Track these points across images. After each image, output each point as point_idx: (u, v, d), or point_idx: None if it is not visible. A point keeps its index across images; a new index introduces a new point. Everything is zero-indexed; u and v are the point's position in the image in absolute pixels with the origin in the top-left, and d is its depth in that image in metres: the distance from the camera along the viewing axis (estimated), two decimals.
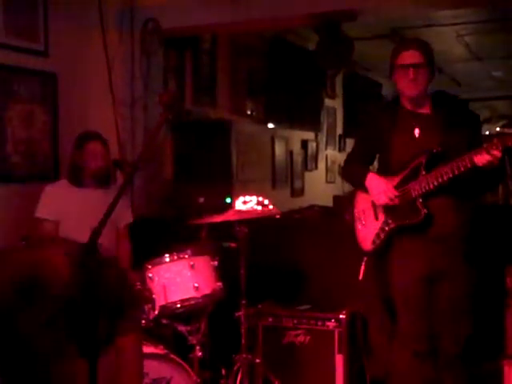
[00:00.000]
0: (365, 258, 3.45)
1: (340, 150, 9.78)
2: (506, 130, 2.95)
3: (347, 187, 3.85)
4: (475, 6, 6.00)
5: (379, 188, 3.30)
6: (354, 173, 3.53)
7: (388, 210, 3.30)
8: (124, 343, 3.12)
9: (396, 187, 3.25)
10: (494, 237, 3.96)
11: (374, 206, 3.40)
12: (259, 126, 7.47)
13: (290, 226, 4.72)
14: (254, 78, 7.27)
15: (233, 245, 3.88)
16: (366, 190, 3.40)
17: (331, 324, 3.95)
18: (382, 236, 3.33)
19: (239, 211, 3.82)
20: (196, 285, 3.42)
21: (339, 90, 9.72)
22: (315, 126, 8.96)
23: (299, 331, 4.03)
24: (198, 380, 3.47)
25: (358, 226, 3.50)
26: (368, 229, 3.43)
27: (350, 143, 9.51)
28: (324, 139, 9.29)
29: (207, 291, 3.46)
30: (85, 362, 2.29)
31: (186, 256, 3.48)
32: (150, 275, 3.42)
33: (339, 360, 3.91)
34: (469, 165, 2.98)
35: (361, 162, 3.51)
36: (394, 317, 3.45)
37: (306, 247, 4.46)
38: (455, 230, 3.21)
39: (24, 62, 4.52)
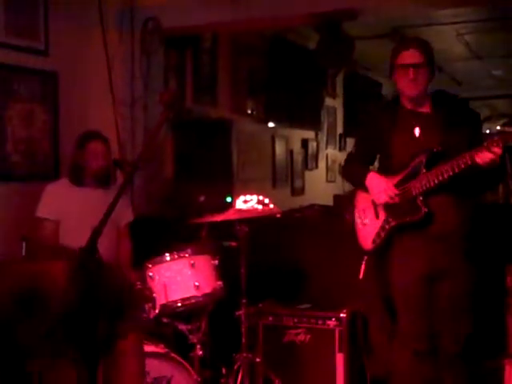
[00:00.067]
0: (365, 257, 3.45)
1: (340, 150, 9.78)
2: (507, 129, 2.94)
3: (347, 186, 3.85)
4: (475, 4, 6.00)
5: (379, 187, 3.30)
6: (354, 172, 3.53)
7: (388, 208, 3.30)
8: (124, 345, 3.12)
9: (396, 186, 3.25)
10: (494, 236, 3.96)
11: (374, 205, 3.40)
12: (259, 125, 7.47)
13: (290, 225, 4.72)
14: (254, 77, 7.27)
15: (233, 244, 3.88)
16: (366, 190, 3.40)
17: (332, 323, 3.95)
18: (383, 235, 3.33)
19: (240, 210, 3.83)
20: (196, 284, 3.42)
21: (340, 89, 9.72)
22: (315, 125, 8.96)
23: (300, 330, 4.03)
24: (199, 379, 3.47)
25: (359, 226, 3.50)
26: (368, 228, 3.43)
27: (350, 142, 9.52)
28: (324, 138, 9.29)
29: (208, 290, 3.46)
30: (84, 368, 2.29)
31: (187, 255, 3.48)
32: (151, 274, 3.42)
33: (340, 359, 3.91)
34: (469, 162, 2.98)
35: (361, 162, 3.51)
36: (394, 316, 3.45)
37: (306, 246, 4.46)
38: (456, 228, 3.21)
39: (24, 62, 4.52)
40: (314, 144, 8.97)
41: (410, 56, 3.20)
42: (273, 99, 7.59)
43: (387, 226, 3.32)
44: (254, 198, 3.94)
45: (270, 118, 7.63)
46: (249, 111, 7.24)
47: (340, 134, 9.84)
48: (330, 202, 7.65)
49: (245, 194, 3.98)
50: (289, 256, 4.49)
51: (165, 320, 3.51)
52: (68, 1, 4.84)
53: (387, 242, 3.34)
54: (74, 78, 4.87)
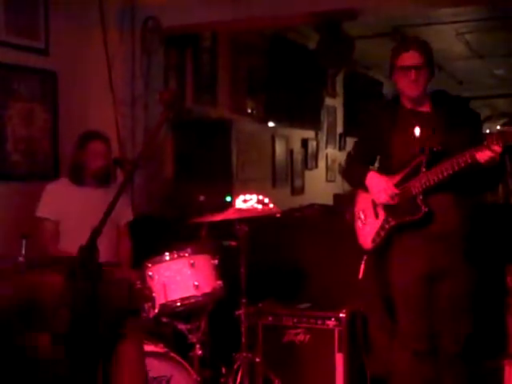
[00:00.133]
0: (364, 257, 3.45)
1: (340, 149, 9.78)
2: (507, 129, 2.94)
3: (347, 186, 3.85)
4: (475, 4, 6.00)
5: (379, 186, 3.30)
6: (354, 173, 3.53)
7: (388, 207, 3.30)
8: (125, 348, 3.11)
9: (396, 185, 3.25)
10: (494, 236, 3.96)
11: (374, 204, 3.40)
12: (259, 125, 7.47)
13: (290, 224, 4.72)
14: (254, 77, 7.27)
15: (233, 243, 3.88)
16: (366, 190, 3.40)
17: (331, 323, 3.95)
18: (383, 234, 3.33)
19: (239, 210, 3.82)
20: (196, 283, 3.42)
21: (340, 88, 9.71)
22: (315, 125, 8.95)
23: (299, 330, 4.03)
24: (198, 378, 3.47)
25: (359, 225, 3.50)
26: (368, 227, 3.43)
27: (350, 142, 9.49)
28: (324, 138, 9.29)
29: (207, 290, 3.46)
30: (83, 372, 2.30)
31: (186, 254, 3.48)
32: (150, 273, 3.42)
33: (339, 359, 3.91)
34: (469, 160, 2.98)
35: (361, 163, 3.51)
36: (394, 315, 3.45)
37: (306, 246, 4.46)
38: (456, 227, 3.21)
39: (24, 61, 4.52)
40: (314, 143, 8.96)
41: (410, 57, 3.20)
42: (273, 99, 7.59)
43: (387, 226, 3.32)
44: (254, 197, 3.94)
45: (270, 117, 7.63)
46: (249, 111, 7.24)
47: (340, 134, 9.83)
48: (329, 201, 7.65)
49: (245, 194, 3.97)
50: (288, 256, 4.49)
51: (164, 319, 3.51)
52: (68, 0, 4.83)
53: (387, 241, 3.34)
54: (74, 78, 4.87)
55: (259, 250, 3.98)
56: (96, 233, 2.27)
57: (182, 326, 3.57)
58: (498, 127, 3.01)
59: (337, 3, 4.88)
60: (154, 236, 4.49)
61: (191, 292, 3.41)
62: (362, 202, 3.49)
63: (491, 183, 3.37)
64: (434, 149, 3.14)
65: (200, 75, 6.34)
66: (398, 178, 3.26)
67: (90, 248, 2.26)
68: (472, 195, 3.29)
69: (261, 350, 4.01)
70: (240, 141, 6.77)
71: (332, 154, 9.54)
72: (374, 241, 3.38)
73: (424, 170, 3.14)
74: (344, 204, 4.17)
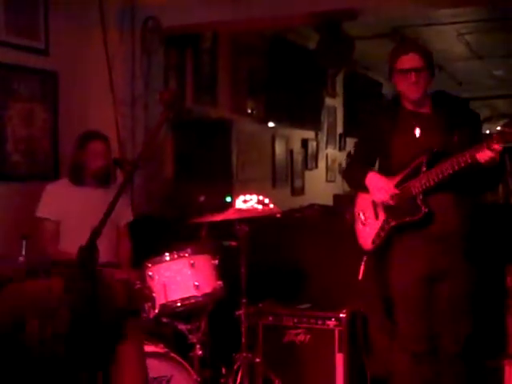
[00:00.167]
0: (364, 258, 3.45)
1: (340, 149, 9.78)
2: (507, 130, 2.94)
3: (347, 186, 3.85)
4: (475, 4, 6.00)
5: (379, 186, 3.30)
6: (354, 173, 3.53)
7: (388, 208, 3.30)
8: (125, 351, 3.11)
9: (396, 186, 3.25)
10: (494, 236, 3.96)
11: (374, 205, 3.39)
12: (259, 125, 7.47)
13: (290, 224, 4.72)
14: (254, 77, 7.27)
15: (233, 243, 3.88)
16: (366, 191, 3.40)
17: (331, 323, 3.94)
18: (383, 235, 3.33)
19: (239, 210, 3.82)
20: (196, 283, 3.42)
21: (340, 89, 9.72)
22: (315, 125, 8.95)
23: (299, 330, 4.03)
24: (199, 379, 3.46)
25: (359, 226, 3.50)
26: (368, 228, 3.43)
27: (350, 142, 9.51)
28: (324, 138, 9.29)
29: (207, 290, 3.46)
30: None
31: (187, 255, 3.48)
32: (150, 274, 3.41)
33: (339, 359, 3.90)
34: (469, 160, 2.97)
35: (362, 164, 3.50)
36: (393, 317, 3.44)
37: (306, 246, 4.46)
38: (456, 228, 3.20)
39: (24, 61, 4.52)
40: (314, 144, 8.97)
41: (410, 60, 3.19)
42: (273, 99, 7.59)
43: (387, 226, 3.32)
44: (254, 197, 3.94)
45: (270, 117, 7.63)
46: (249, 111, 7.24)
47: (340, 134, 9.83)
48: (329, 201, 7.66)
49: (245, 194, 3.98)
50: (289, 256, 4.48)
51: (164, 320, 3.51)
52: (68, 0, 4.83)
53: (387, 242, 3.34)
54: (74, 78, 4.87)
55: (259, 251, 3.98)
56: (96, 233, 2.27)
57: (182, 327, 3.56)
58: (498, 128, 2.99)
59: (337, 3, 4.88)
60: (154, 236, 4.49)
61: (191, 292, 3.41)
62: (362, 203, 3.49)
63: (491, 183, 3.37)
64: (435, 149, 3.14)
65: (200, 75, 6.34)
66: (397, 178, 3.26)
67: (90, 248, 2.25)
68: (472, 195, 3.28)
69: (261, 350, 4.01)
70: (240, 141, 6.77)
71: (332, 155, 9.55)
72: (374, 241, 3.38)
73: (424, 170, 3.14)
74: (344, 204, 4.17)
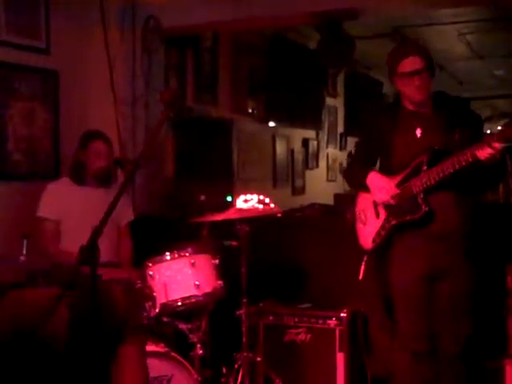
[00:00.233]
0: (365, 258, 3.45)
1: (341, 149, 9.78)
2: (508, 129, 2.94)
3: (348, 186, 3.85)
4: (476, 4, 5.99)
5: (380, 185, 3.30)
6: (355, 173, 3.53)
7: (389, 207, 3.30)
8: (126, 353, 3.10)
9: (397, 185, 3.25)
10: (494, 235, 3.96)
11: (374, 204, 3.40)
12: (260, 125, 7.47)
13: (290, 224, 4.72)
14: (255, 77, 7.27)
15: (234, 243, 3.88)
16: (366, 191, 3.40)
17: (332, 322, 3.95)
18: (383, 233, 3.33)
19: (240, 209, 3.82)
20: (197, 283, 3.42)
21: (340, 88, 9.71)
22: (316, 125, 8.95)
23: (300, 329, 4.03)
24: (199, 378, 3.46)
25: (359, 225, 3.50)
26: (369, 227, 3.43)
27: (351, 142, 9.51)
28: (325, 138, 9.29)
29: (208, 289, 3.46)
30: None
31: (187, 254, 3.48)
32: (151, 273, 3.42)
33: (340, 358, 3.90)
34: (470, 159, 2.98)
35: (363, 164, 3.51)
36: (393, 316, 3.45)
37: (306, 245, 4.46)
38: (457, 227, 3.21)
39: (25, 60, 4.52)
40: (315, 143, 8.96)
41: (411, 63, 3.18)
42: (273, 98, 7.59)
43: (387, 225, 3.32)
44: (255, 197, 3.94)
45: (271, 117, 7.63)
46: (249, 110, 7.24)
47: (341, 134, 9.83)
48: (330, 201, 7.65)
49: (245, 194, 3.97)
50: (289, 255, 4.49)
51: (165, 319, 3.51)
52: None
53: (387, 241, 3.34)
54: (75, 77, 4.87)
55: (260, 250, 3.98)
56: (97, 232, 2.27)
57: (182, 326, 3.57)
58: (499, 127, 3.00)
59: (337, 3, 4.88)
60: (154, 236, 4.49)
61: (192, 292, 3.41)
62: (363, 202, 3.49)
63: (492, 182, 3.37)
64: (436, 147, 3.14)
65: (201, 75, 6.34)
66: (398, 178, 3.27)
67: (91, 248, 2.26)
68: (473, 194, 3.28)
69: (262, 349, 4.01)
70: (241, 140, 6.77)
71: (333, 154, 9.54)
72: (374, 241, 3.38)
73: (425, 169, 3.15)
74: (345, 204, 4.17)
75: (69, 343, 2.78)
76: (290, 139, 8.23)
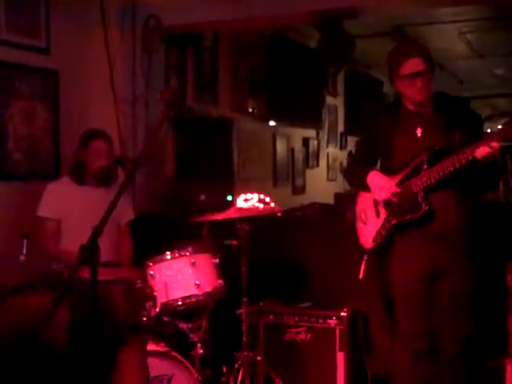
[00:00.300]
0: (365, 257, 3.45)
1: (341, 148, 9.78)
2: (508, 128, 2.95)
3: (348, 185, 3.85)
4: (476, 3, 6.00)
5: (380, 184, 3.30)
6: (356, 173, 3.53)
7: (389, 206, 3.30)
8: (127, 356, 3.11)
9: (398, 184, 3.25)
10: (494, 234, 3.96)
11: (375, 203, 3.40)
12: (260, 124, 7.47)
13: (291, 223, 4.72)
14: (255, 76, 7.27)
15: (234, 242, 3.88)
16: (367, 190, 3.40)
17: (332, 322, 3.95)
18: (383, 233, 3.33)
19: (240, 209, 3.82)
20: (197, 282, 3.42)
21: (340, 87, 9.71)
22: (316, 124, 8.95)
23: (300, 329, 4.03)
24: (200, 377, 3.47)
25: (360, 224, 3.50)
26: (369, 227, 3.43)
27: (351, 141, 9.51)
28: (325, 137, 9.29)
29: (208, 289, 3.46)
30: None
31: (188, 253, 3.48)
32: (152, 272, 3.42)
33: (340, 358, 3.91)
34: (470, 157, 2.98)
35: (363, 164, 3.50)
36: (394, 315, 3.45)
37: (307, 245, 4.46)
38: (457, 226, 3.21)
39: (25, 59, 4.52)
40: (315, 142, 8.96)
41: (414, 65, 3.17)
42: (274, 98, 7.59)
43: (388, 224, 3.32)
44: (255, 196, 3.94)
45: (271, 116, 7.63)
46: (250, 110, 7.24)
47: (341, 133, 9.83)
48: (330, 200, 7.65)
49: (246, 193, 3.97)
50: (290, 255, 4.49)
51: (165, 318, 3.51)
52: None
53: (388, 240, 3.34)
54: (75, 76, 4.87)
55: (260, 249, 3.98)
56: (97, 232, 2.27)
57: (183, 325, 3.57)
58: (499, 127, 3.01)
59: (337, 2, 4.88)
60: (154, 235, 4.49)
61: (192, 291, 3.41)
62: (363, 202, 3.49)
63: (491, 181, 3.37)
64: (436, 147, 3.14)
65: (201, 74, 6.34)
66: (399, 177, 3.27)
67: (92, 247, 2.26)
68: (473, 193, 3.29)
69: (262, 348, 4.01)
70: (241, 140, 6.76)
71: (333, 153, 9.54)
72: (374, 240, 3.38)
73: (425, 168, 3.15)
74: (345, 203, 4.17)
75: (69, 347, 2.79)
76: (290, 138, 8.23)
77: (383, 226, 3.34)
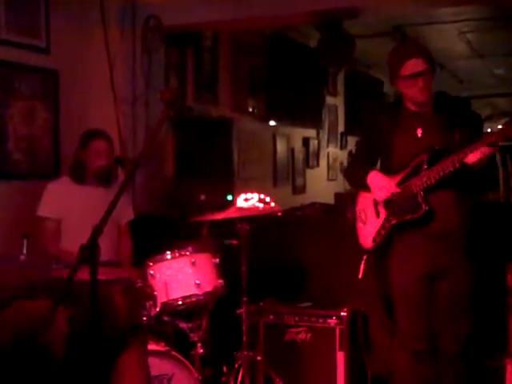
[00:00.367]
0: (364, 257, 3.45)
1: (341, 148, 9.78)
2: (508, 128, 2.95)
3: (348, 185, 3.85)
4: (477, 3, 6.00)
5: (380, 185, 3.30)
6: (356, 172, 3.53)
7: (389, 206, 3.30)
8: (128, 358, 3.11)
9: (398, 184, 3.25)
10: (495, 234, 3.96)
11: (375, 203, 3.40)
12: (260, 124, 7.47)
13: (291, 223, 4.72)
14: (255, 76, 7.27)
15: (234, 242, 3.88)
16: (367, 190, 3.41)
17: (332, 321, 3.95)
18: (383, 233, 3.33)
19: (241, 208, 3.82)
20: (197, 282, 3.42)
21: (341, 87, 9.71)
22: (317, 124, 8.95)
23: (300, 328, 4.03)
24: (200, 377, 3.47)
25: (360, 224, 3.50)
26: (369, 227, 3.43)
27: (351, 140, 9.51)
28: (325, 137, 9.29)
29: (209, 288, 3.46)
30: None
31: (188, 253, 3.48)
32: (152, 272, 3.42)
33: (340, 357, 3.91)
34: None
35: (363, 164, 3.50)
36: (393, 315, 3.45)
37: (307, 245, 4.46)
38: (457, 226, 3.21)
39: (25, 59, 4.52)
40: (315, 142, 8.96)
41: (415, 65, 3.17)
42: (274, 97, 7.59)
43: (388, 225, 3.32)
44: (255, 196, 3.94)
45: (271, 116, 7.63)
46: (250, 109, 7.24)
47: (341, 133, 9.83)
48: (331, 200, 7.65)
49: (246, 193, 3.97)
50: (290, 254, 4.49)
51: (166, 318, 3.51)
52: None
53: (387, 240, 3.34)
54: (75, 76, 4.87)
55: (260, 249, 3.98)
56: (97, 231, 2.27)
57: (183, 325, 3.57)
58: (499, 126, 3.01)
59: (337, 2, 4.88)
60: (155, 235, 4.49)
61: (192, 291, 3.41)
62: (363, 202, 3.49)
63: (491, 181, 3.37)
64: (436, 147, 3.14)
65: (201, 74, 6.34)
66: (399, 177, 3.27)
67: (92, 247, 2.26)
68: (473, 194, 3.29)
69: (262, 348, 4.01)
70: (241, 139, 6.76)
71: (333, 153, 9.54)
72: (374, 240, 3.38)
73: (425, 168, 3.15)
74: (345, 203, 4.17)
75: (67, 355, 2.79)
76: (290, 138, 8.23)
77: (383, 226, 3.34)
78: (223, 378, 3.77)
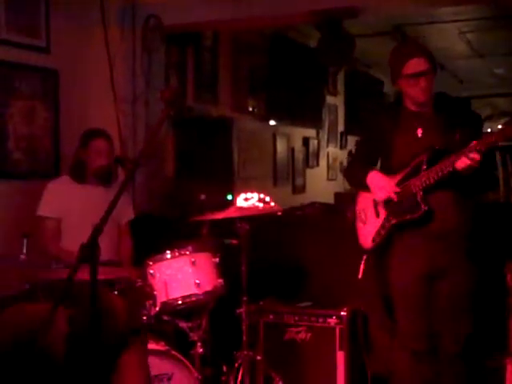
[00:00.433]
0: (364, 257, 3.45)
1: (341, 148, 9.78)
2: (508, 128, 2.95)
3: (348, 185, 3.85)
4: (477, 3, 6.00)
5: (380, 185, 3.30)
6: (356, 172, 3.53)
7: (389, 206, 3.31)
8: (128, 359, 3.10)
9: (397, 184, 3.25)
10: (494, 234, 3.96)
11: (375, 203, 3.40)
12: (261, 123, 7.47)
13: (291, 223, 4.72)
14: (255, 75, 7.27)
15: (234, 241, 3.88)
16: (366, 190, 3.41)
17: (332, 321, 3.95)
18: (383, 233, 3.33)
19: (240, 208, 3.82)
20: (197, 281, 3.42)
21: (341, 87, 9.71)
22: (317, 123, 8.95)
23: (300, 328, 4.03)
24: (199, 376, 3.47)
25: (359, 224, 3.50)
26: (369, 227, 3.43)
27: (351, 140, 9.51)
28: (325, 136, 9.29)
29: (208, 288, 3.46)
30: None
31: (188, 252, 3.48)
32: (152, 271, 3.42)
33: (340, 357, 3.91)
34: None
35: (363, 163, 3.50)
36: (393, 315, 3.45)
37: (307, 244, 4.46)
38: (456, 226, 3.21)
39: (25, 59, 4.52)
40: (315, 142, 8.96)
41: (417, 65, 3.17)
42: (274, 97, 7.59)
43: (387, 224, 3.32)
44: (255, 195, 3.93)
45: (271, 115, 7.63)
46: (250, 109, 7.24)
47: (341, 132, 9.83)
48: (330, 200, 7.65)
49: (246, 192, 3.97)
50: (290, 254, 4.49)
51: (165, 318, 3.51)
52: None
53: (387, 240, 3.34)
54: (75, 76, 4.87)
55: (260, 249, 3.98)
56: (97, 231, 2.27)
57: (183, 324, 3.57)
58: (499, 126, 3.01)
59: (337, 1, 4.88)
60: (155, 234, 4.50)
61: (192, 290, 3.41)
62: (363, 202, 3.49)
63: (490, 181, 3.37)
64: (436, 147, 3.14)
65: (201, 73, 6.34)
66: (398, 177, 3.27)
67: (92, 246, 2.26)
68: (473, 194, 3.29)
69: (262, 348, 4.01)
70: (241, 139, 6.76)
71: (333, 153, 9.54)
72: (374, 240, 3.39)
73: (425, 168, 3.15)
74: (345, 203, 4.17)
75: (67, 356, 2.79)
76: (290, 138, 8.23)
77: (383, 226, 3.34)
78: (223, 378, 3.77)
